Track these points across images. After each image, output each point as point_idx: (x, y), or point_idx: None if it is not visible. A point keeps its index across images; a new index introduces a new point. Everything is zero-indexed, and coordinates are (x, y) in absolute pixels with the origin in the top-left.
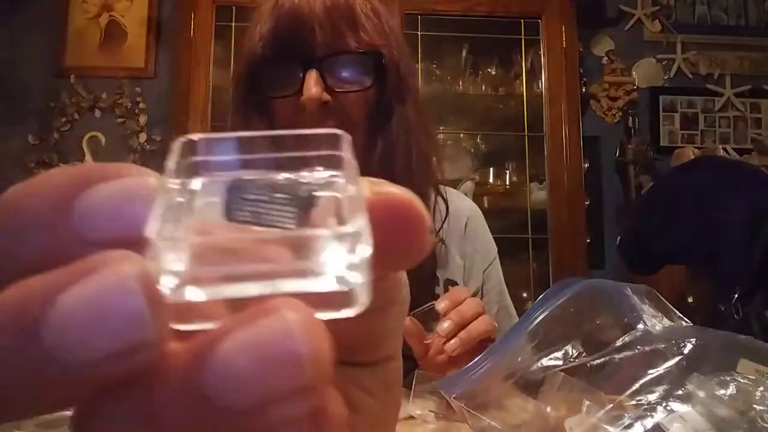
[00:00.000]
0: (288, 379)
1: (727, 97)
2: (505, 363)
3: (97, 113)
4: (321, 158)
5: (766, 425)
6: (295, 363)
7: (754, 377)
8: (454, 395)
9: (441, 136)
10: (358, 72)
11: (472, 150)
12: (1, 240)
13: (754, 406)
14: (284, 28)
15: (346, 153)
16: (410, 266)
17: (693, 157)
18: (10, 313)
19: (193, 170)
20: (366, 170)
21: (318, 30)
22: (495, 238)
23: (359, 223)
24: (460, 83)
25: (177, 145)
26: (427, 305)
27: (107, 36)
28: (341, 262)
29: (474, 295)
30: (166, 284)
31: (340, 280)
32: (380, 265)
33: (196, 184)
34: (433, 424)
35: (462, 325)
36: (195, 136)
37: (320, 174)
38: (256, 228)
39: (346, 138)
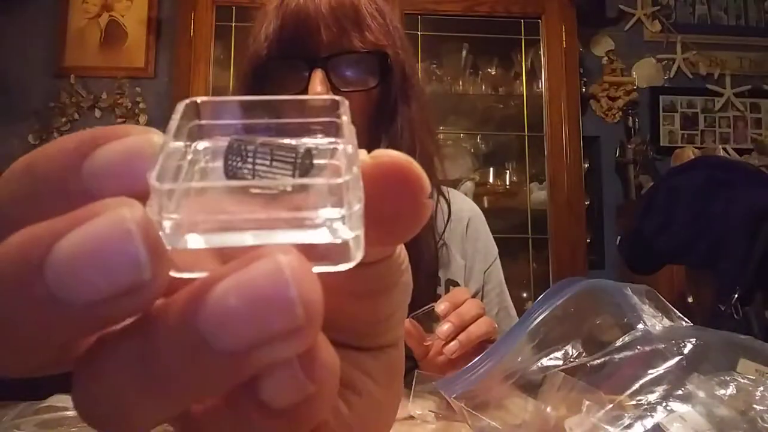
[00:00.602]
0: (279, 320)
1: (727, 97)
2: (505, 363)
3: (97, 113)
4: (321, 124)
5: (766, 425)
6: (286, 304)
7: (754, 377)
8: (454, 395)
9: (441, 136)
10: (363, 72)
11: (472, 150)
12: (18, 203)
13: (754, 406)
14: (289, 27)
15: (345, 118)
16: (412, 233)
17: (693, 157)
18: (16, 254)
19: (195, 133)
20: None
21: (323, 30)
22: (495, 238)
23: (351, 174)
24: (460, 83)
25: (180, 107)
26: (427, 306)
27: (107, 36)
28: (335, 215)
29: (474, 295)
30: (164, 230)
31: (334, 232)
32: (382, 232)
33: (198, 146)
34: (433, 424)
35: (462, 327)
36: (198, 99)
37: (320, 140)
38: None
39: (345, 103)
